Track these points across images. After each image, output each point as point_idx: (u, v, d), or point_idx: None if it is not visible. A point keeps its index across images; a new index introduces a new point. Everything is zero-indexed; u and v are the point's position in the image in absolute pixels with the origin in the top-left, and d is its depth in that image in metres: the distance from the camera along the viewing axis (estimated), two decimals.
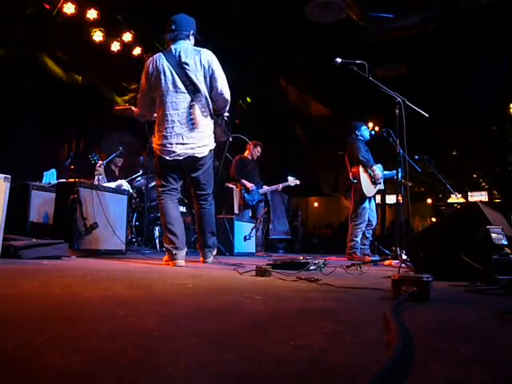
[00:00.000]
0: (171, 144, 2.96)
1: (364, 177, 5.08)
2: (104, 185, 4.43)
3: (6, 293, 1.31)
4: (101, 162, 4.67)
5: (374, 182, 5.15)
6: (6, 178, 2.80)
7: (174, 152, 2.97)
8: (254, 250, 6.19)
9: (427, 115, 3.61)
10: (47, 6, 5.69)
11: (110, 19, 6.27)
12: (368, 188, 5.08)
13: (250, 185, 5.99)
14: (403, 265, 2.92)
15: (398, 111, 3.55)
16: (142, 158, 5.79)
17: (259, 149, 6.27)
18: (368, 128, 5.55)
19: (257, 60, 7.80)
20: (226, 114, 3.20)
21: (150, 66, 3.04)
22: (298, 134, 11.19)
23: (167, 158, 2.98)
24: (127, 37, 6.51)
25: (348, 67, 3.42)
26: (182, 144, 2.96)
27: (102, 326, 0.88)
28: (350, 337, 0.86)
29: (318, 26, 6.42)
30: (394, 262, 3.60)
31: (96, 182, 4.42)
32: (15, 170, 4.81)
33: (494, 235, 2.08)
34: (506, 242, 2.07)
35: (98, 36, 6.21)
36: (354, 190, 5.16)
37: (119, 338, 0.78)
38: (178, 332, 0.87)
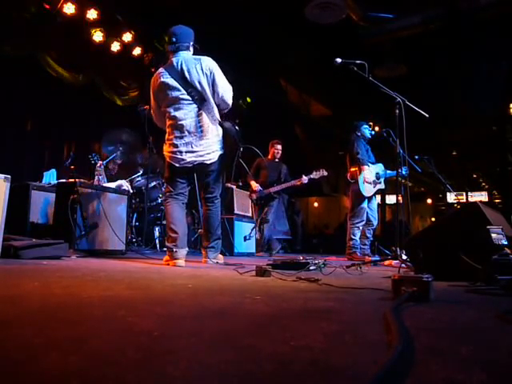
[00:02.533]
0: (181, 152, 3.08)
1: (362, 176, 5.08)
2: (104, 185, 4.43)
3: (6, 293, 1.31)
4: (101, 162, 4.66)
5: (374, 181, 5.14)
6: (6, 177, 2.80)
7: (183, 160, 3.08)
8: (254, 250, 6.18)
9: (427, 115, 3.61)
10: (47, 6, 5.69)
11: (110, 19, 6.27)
12: (366, 187, 5.07)
13: (254, 186, 6.09)
14: (403, 265, 2.92)
15: (398, 111, 3.55)
16: (140, 156, 5.77)
17: (277, 146, 6.30)
18: (369, 127, 5.55)
19: (257, 60, 7.80)
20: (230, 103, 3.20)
21: (155, 82, 3.14)
22: (298, 134, 11.20)
23: (176, 165, 3.10)
24: (127, 37, 6.51)
25: (348, 67, 3.42)
26: (192, 152, 3.07)
27: (102, 327, 0.88)
28: (350, 337, 0.86)
29: (318, 26, 6.42)
30: (394, 262, 3.59)
31: (96, 182, 4.42)
32: (15, 170, 4.81)
33: (494, 235, 2.08)
34: (505, 242, 2.07)
35: (98, 36, 6.21)
36: (352, 190, 5.16)
37: (119, 339, 0.78)
38: (178, 332, 0.87)
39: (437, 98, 8.43)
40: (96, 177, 4.53)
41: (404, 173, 3.76)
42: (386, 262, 3.86)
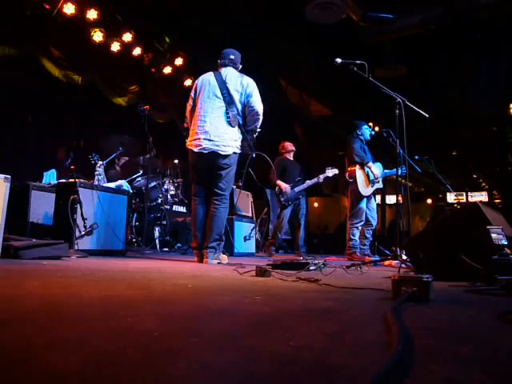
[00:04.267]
0: (199, 139, 3.42)
1: (360, 176, 5.08)
2: (104, 185, 4.43)
3: (6, 293, 1.31)
4: (101, 162, 4.66)
5: (372, 181, 5.13)
6: (5, 178, 2.80)
7: (200, 145, 3.41)
8: (254, 250, 6.18)
9: (427, 115, 3.60)
10: (47, 6, 5.69)
11: (110, 19, 6.27)
12: (364, 187, 5.07)
13: (284, 186, 5.84)
14: (403, 265, 2.92)
15: (398, 111, 3.55)
16: (141, 158, 5.79)
17: (287, 145, 6.23)
18: (369, 127, 5.55)
19: (257, 60, 7.79)
20: (258, 129, 3.60)
21: (200, 79, 3.63)
22: (298, 134, 11.20)
23: (194, 149, 3.44)
24: (127, 37, 6.51)
25: (348, 67, 3.42)
26: (209, 140, 3.39)
27: (102, 327, 0.88)
28: (350, 337, 0.86)
29: (318, 25, 6.42)
30: (394, 262, 3.59)
31: (96, 182, 4.42)
32: (15, 170, 4.81)
33: (494, 235, 2.08)
34: (505, 242, 2.07)
35: (97, 36, 6.21)
36: (351, 190, 5.16)
37: (119, 338, 0.78)
38: (178, 332, 0.87)
39: (437, 98, 8.43)
40: (96, 177, 4.53)
41: (400, 173, 3.75)
42: (386, 262, 3.85)
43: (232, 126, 3.41)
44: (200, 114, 3.47)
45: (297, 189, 5.87)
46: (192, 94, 3.66)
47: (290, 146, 6.27)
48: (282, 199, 5.87)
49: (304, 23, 6.39)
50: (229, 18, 6.36)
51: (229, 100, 3.43)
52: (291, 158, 6.20)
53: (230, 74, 3.52)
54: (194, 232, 3.52)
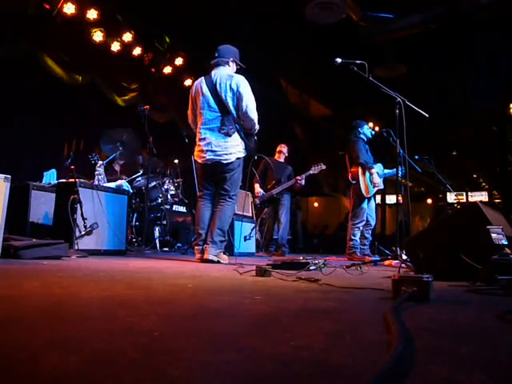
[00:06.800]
0: (203, 151, 3.54)
1: (363, 177, 5.08)
2: (104, 185, 4.42)
3: (6, 293, 1.31)
4: (101, 162, 4.66)
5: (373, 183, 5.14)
6: (6, 178, 2.80)
7: (204, 157, 3.53)
8: (254, 250, 6.18)
9: (427, 115, 3.60)
10: (47, 6, 5.69)
11: (110, 19, 6.27)
12: (367, 188, 5.08)
13: (256, 191, 6.09)
14: (403, 265, 2.92)
15: (398, 111, 3.55)
16: (141, 157, 5.78)
17: (283, 150, 6.39)
18: (369, 127, 5.55)
19: (257, 60, 7.79)
20: (257, 126, 3.62)
21: (194, 87, 3.66)
22: (298, 134, 11.19)
23: (199, 161, 3.59)
24: (127, 37, 6.52)
25: (348, 67, 3.42)
26: (211, 151, 3.49)
27: (102, 327, 0.88)
28: (350, 337, 0.86)
29: (318, 26, 6.42)
30: (394, 262, 3.59)
31: (96, 182, 4.42)
32: (15, 170, 4.81)
33: (494, 235, 2.08)
34: (505, 242, 2.06)
35: (97, 36, 6.22)
36: (353, 191, 5.16)
37: (119, 339, 0.78)
38: (178, 332, 0.87)
39: (437, 98, 8.42)
40: (96, 177, 4.53)
41: (400, 173, 3.75)
42: (386, 262, 3.85)
43: (231, 133, 3.46)
44: (200, 125, 3.54)
45: (274, 191, 6.02)
46: (190, 102, 3.69)
47: (280, 147, 6.44)
48: (257, 202, 6.08)
49: (304, 23, 6.39)
50: (228, 17, 6.36)
51: (223, 109, 3.47)
52: (280, 160, 6.32)
53: (220, 78, 3.50)
54: (197, 230, 3.56)
